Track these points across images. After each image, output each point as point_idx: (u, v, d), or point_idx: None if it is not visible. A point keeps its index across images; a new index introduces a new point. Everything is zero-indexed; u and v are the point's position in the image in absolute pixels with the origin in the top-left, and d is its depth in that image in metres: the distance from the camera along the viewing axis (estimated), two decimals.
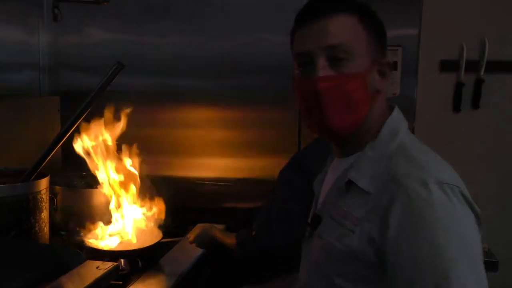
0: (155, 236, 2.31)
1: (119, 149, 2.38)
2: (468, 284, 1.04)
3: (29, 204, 2.07)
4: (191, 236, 2.24)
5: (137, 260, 2.20)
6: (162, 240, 2.30)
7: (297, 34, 1.27)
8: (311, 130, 1.28)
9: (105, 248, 2.21)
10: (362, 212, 1.14)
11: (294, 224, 2.02)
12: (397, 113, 1.26)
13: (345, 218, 1.17)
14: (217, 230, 2.25)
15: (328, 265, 1.22)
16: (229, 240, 2.20)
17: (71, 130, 2.15)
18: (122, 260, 2.19)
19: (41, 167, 2.17)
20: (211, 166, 3.00)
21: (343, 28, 1.18)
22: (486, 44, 2.61)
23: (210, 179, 2.99)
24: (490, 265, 2.37)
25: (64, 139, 2.18)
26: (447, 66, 2.84)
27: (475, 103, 2.77)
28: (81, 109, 2.08)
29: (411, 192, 1.08)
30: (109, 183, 2.32)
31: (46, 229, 2.20)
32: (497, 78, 2.69)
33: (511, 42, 2.69)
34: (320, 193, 1.40)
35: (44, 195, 2.17)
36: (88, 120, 2.24)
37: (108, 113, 2.28)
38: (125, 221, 2.37)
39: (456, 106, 2.87)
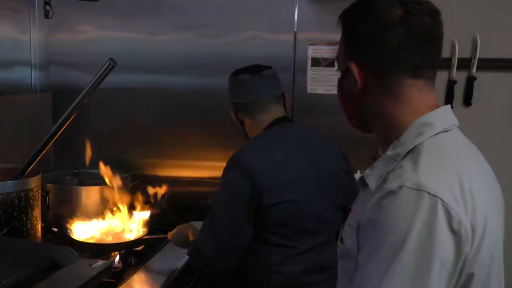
0: (141, 232, 2.37)
1: None
2: None
3: (21, 202, 2.07)
4: (169, 234, 2.24)
5: (130, 258, 2.20)
6: (145, 237, 2.35)
7: None
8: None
9: (96, 242, 2.27)
10: (360, 209, 1.15)
11: (236, 229, 1.94)
12: (432, 114, 1.17)
13: (351, 216, 1.20)
14: (191, 229, 2.19)
15: (340, 261, 1.25)
16: None
17: (63, 128, 2.14)
18: (115, 258, 2.19)
19: (33, 165, 2.16)
20: (203, 164, 3.00)
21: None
22: (478, 42, 2.63)
23: (204, 178, 3.00)
24: None
25: (56, 136, 2.17)
26: (439, 63, 2.85)
27: (467, 101, 2.78)
28: (73, 106, 2.08)
29: (387, 192, 1.05)
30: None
31: (38, 226, 2.20)
32: (489, 76, 2.70)
33: (503, 39, 2.70)
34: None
35: (36, 193, 2.17)
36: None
37: None
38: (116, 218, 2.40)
39: (448, 103, 2.87)
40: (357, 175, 2.77)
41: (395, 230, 1.01)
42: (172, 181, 3.01)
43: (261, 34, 2.85)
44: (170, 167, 3.04)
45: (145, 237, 2.35)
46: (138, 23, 2.96)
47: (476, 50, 2.65)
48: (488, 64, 2.69)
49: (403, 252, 0.99)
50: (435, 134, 1.14)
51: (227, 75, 2.79)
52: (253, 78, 2.09)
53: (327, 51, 2.79)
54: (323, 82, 2.83)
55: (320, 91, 2.84)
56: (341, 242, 1.23)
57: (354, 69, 1.18)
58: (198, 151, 2.99)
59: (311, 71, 2.84)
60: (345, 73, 1.21)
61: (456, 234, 1.00)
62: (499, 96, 2.76)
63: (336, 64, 1.28)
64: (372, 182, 1.16)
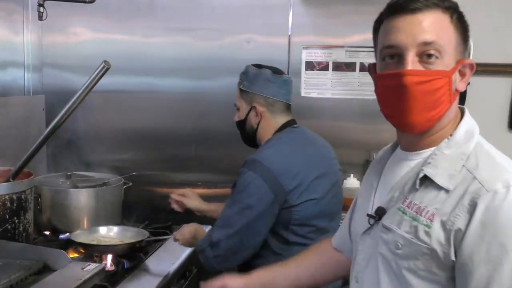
0: (142, 235, 2.34)
1: None
2: None
3: (13, 204, 2.05)
4: (176, 234, 2.23)
5: (123, 261, 2.19)
6: (149, 238, 2.32)
7: (387, 25, 1.23)
8: (389, 120, 1.27)
9: (94, 243, 2.25)
10: (440, 209, 1.15)
11: (252, 229, 1.98)
12: (469, 116, 1.29)
13: (420, 213, 1.17)
14: (197, 228, 2.20)
15: (398, 259, 1.21)
16: None
17: (56, 130, 2.13)
18: (107, 260, 2.18)
19: (25, 167, 2.15)
20: (196, 167, 3.00)
21: (438, 26, 1.18)
22: (471, 47, 2.64)
23: (197, 181, 2.99)
24: None
25: (49, 138, 2.16)
26: None
27: (461, 105, 2.79)
28: (67, 108, 2.07)
29: (493, 193, 1.10)
30: None
31: (30, 229, 2.19)
32: (482, 81, 2.71)
33: (496, 45, 2.72)
34: (378, 184, 1.37)
35: (29, 195, 2.15)
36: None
37: None
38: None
39: None
40: (351, 179, 2.78)
41: None
42: (165, 184, 3.02)
43: (256, 37, 2.85)
44: (163, 170, 3.03)
45: (148, 238, 2.33)
46: (132, 25, 2.96)
47: (469, 55, 2.67)
48: (482, 69, 2.71)
49: None
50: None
51: (221, 78, 2.81)
52: (283, 79, 2.16)
53: (321, 55, 2.80)
54: (317, 86, 2.84)
55: (314, 94, 2.85)
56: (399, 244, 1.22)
57: (467, 64, 1.23)
58: (192, 154, 2.98)
59: (305, 75, 2.85)
60: (457, 67, 1.21)
61: None
62: (493, 101, 2.78)
63: (435, 49, 1.18)
64: (444, 182, 1.17)
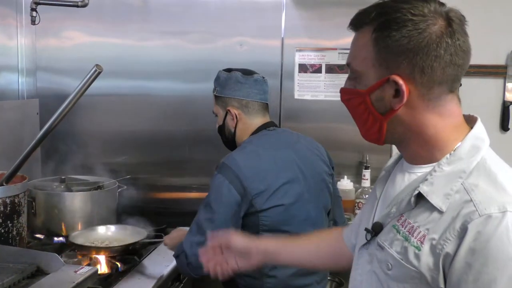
0: (137, 236, 2.37)
1: None
2: None
3: (7, 208, 2.06)
4: (165, 239, 2.24)
5: (116, 264, 2.20)
6: (143, 240, 2.34)
7: None
8: None
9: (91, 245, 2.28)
10: (432, 230, 1.08)
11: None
12: (479, 127, 1.18)
13: (411, 233, 1.11)
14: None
15: (389, 279, 1.15)
16: None
17: (50, 133, 2.13)
18: (101, 263, 2.19)
19: (19, 171, 2.15)
20: (191, 170, 3.00)
21: (357, 47, 1.18)
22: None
23: (192, 184, 3.00)
24: None
25: (43, 142, 2.16)
26: None
27: None
28: (59, 112, 2.07)
29: (486, 218, 1.02)
30: None
31: (24, 233, 2.19)
32: (474, 82, 2.73)
33: (487, 46, 2.74)
34: (381, 196, 1.31)
35: (22, 199, 2.16)
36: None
37: None
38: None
39: None
40: (344, 181, 2.79)
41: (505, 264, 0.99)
42: (159, 187, 3.02)
43: (249, 40, 2.87)
44: (158, 173, 3.03)
45: (141, 240, 2.35)
46: (126, 29, 2.97)
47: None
48: (474, 71, 2.73)
49: None
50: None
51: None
52: (253, 79, 2.13)
53: (314, 57, 2.81)
54: (310, 88, 2.85)
55: (307, 97, 2.86)
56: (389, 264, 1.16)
57: (400, 81, 1.10)
58: (186, 156, 2.99)
59: (298, 77, 2.86)
60: (380, 85, 1.14)
61: None
62: (484, 102, 2.80)
63: (351, 70, 1.20)
64: (438, 202, 1.09)
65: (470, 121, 1.21)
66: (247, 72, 2.15)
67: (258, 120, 2.13)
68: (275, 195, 1.96)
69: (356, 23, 1.17)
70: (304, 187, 2.04)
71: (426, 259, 1.07)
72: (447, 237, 1.05)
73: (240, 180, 1.93)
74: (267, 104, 2.18)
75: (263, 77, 2.17)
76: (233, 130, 2.15)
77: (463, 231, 1.03)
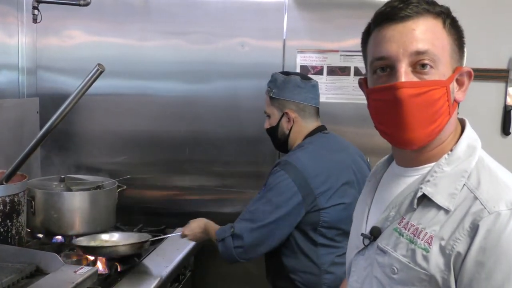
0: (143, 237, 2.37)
1: None
2: None
3: (6, 207, 2.05)
4: (184, 230, 2.23)
5: (116, 264, 2.19)
6: (153, 239, 2.34)
7: (377, 35, 1.14)
8: (385, 138, 1.18)
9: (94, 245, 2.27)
10: (439, 231, 1.07)
11: (276, 226, 2.03)
12: (470, 128, 1.19)
13: (417, 235, 1.09)
14: (210, 223, 2.22)
15: (394, 284, 1.13)
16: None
17: (50, 133, 2.13)
18: (100, 264, 2.18)
19: (19, 170, 2.15)
20: (191, 171, 2.99)
21: (430, 33, 1.10)
22: (465, 53, 2.65)
23: (192, 185, 2.99)
24: None
25: (43, 141, 2.15)
26: None
27: None
28: (60, 111, 2.06)
29: (496, 215, 1.02)
30: None
31: (23, 232, 2.18)
32: (476, 86, 2.72)
33: (489, 50, 2.74)
34: (372, 201, 1.29)
35: (22, 198, 2.15)
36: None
37: None
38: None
39: None
40: None
41: None
42: (159, 187, 3.01)
43: (250, 41, 2.86)
44: (158, 173, 3.03)
45: (151, 239, 2.33)
46: (127, 28, 2.96)
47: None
48: (475, 75, 2.72)
49: None
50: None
51: (216, 82, 2.80)
52: (311, 84, 2.22)
53: (316, 59, 2.80)
54: None
55: None
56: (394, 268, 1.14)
57: (464, 71, 1.14)
58: (186, 157, 2.98)
59: None
60: (455, 76, 1.13)
61: None
62: (486, 106, 2.80)
63: (429, 66, 1.09)
64: (444, 202, 1.08)
65: (460, 122, 1.22)
66: (305, 77, 2.25)
67: (312, 124, 2.22)
68: (336, 194, 2.08)
69: (415, 11, 1.10)
70: (357, 190, 2.13)
71: (436, 260, 1.06)
72: (457, 237, 1.05)
73: (305, 179, 2.04)
74: (318, 108, 2.26)
75: (317, 82, 2.27)
76: (287, 132, 2.22)
77: (473, 229, 1.03)
